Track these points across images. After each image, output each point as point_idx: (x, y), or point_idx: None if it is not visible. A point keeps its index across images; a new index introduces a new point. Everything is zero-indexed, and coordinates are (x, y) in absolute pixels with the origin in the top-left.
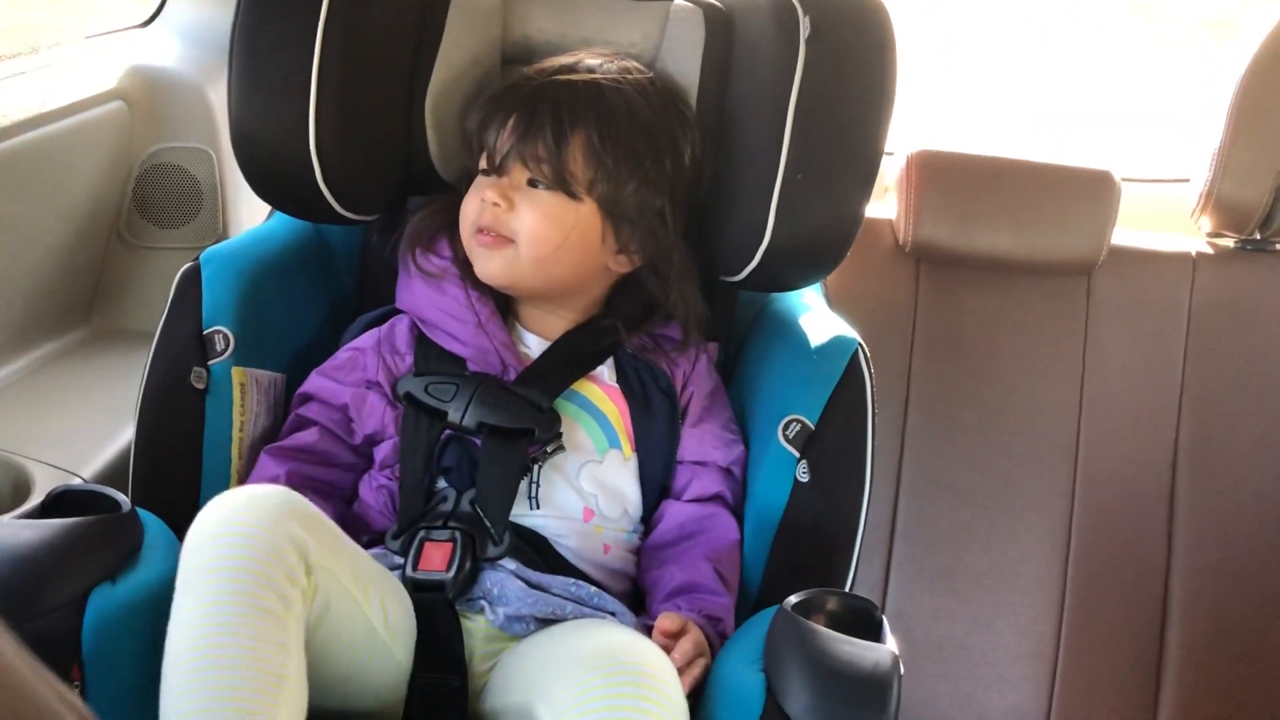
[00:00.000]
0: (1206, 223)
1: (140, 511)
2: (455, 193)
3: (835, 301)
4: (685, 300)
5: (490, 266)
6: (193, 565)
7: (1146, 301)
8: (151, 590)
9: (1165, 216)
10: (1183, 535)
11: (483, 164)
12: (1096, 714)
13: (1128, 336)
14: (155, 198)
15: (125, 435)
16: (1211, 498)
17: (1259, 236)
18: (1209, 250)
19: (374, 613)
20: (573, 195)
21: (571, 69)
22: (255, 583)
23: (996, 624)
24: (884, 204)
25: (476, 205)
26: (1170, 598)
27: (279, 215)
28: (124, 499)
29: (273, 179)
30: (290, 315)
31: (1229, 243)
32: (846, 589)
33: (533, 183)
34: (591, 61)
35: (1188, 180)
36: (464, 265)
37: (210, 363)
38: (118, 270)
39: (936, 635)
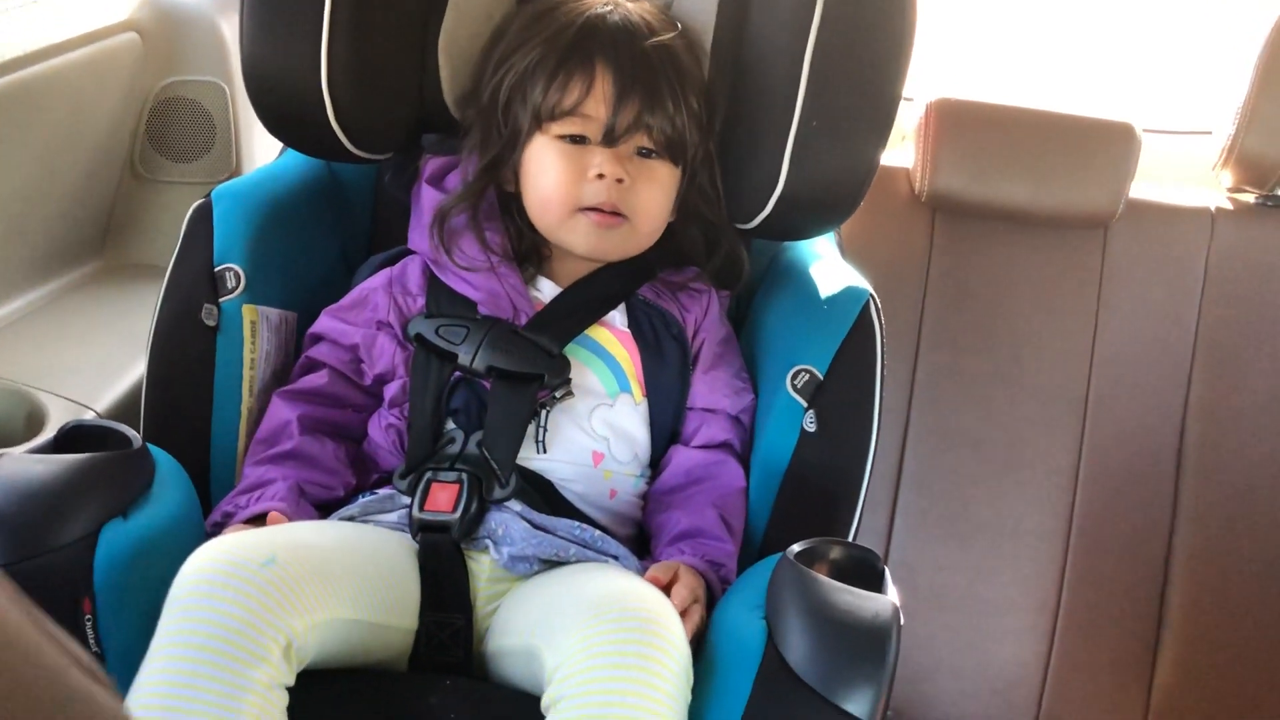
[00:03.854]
0: (1228, 177)
1: (151, 448)
2: (462, 151)
3: (849, 249)
4: (730, 245)
5: (607, 245)
6: (163, 628)
7: (1163, 256)
8: (163, 526)
9: (1187, 169)
10: (1189, 491)
11: (569, 129)
12: (1096, 664)
13: (1142, 291)
14: (168, 131)
15: (138, 369)
16: (1220, 455)
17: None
18: (1229, 206)
19: (376, 615)
20: (677, 161)
21: (630, 22)
22: (218, 665)
23: (1000, 574)
24: (900, 152)
25: (577, 179)
26: (1173, 552)
27: (291, 152)
28: (135, 435)
29: (285, 117)
30: (302, 253)
31: (1250, 198)
32: (850, 538)
33: (643, 151)
34: (629, 4)
35: (1210, 133)
36: (481, 220)
37: (221, 300)
38: (131, 204)
39: (940, 584)
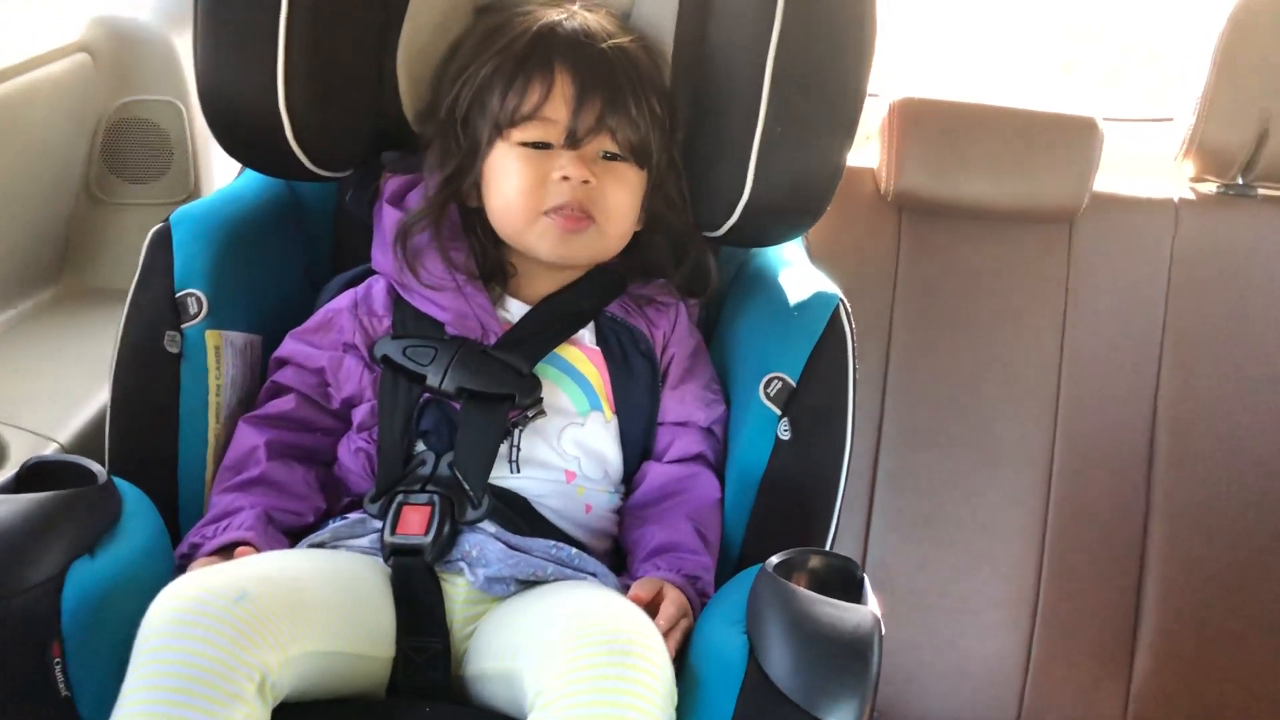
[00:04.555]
0: (1190, 167)
1: (117, 481)
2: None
3: (816, 251)
4: (698, 254)
5: (574, 249)
6: (134, 671)
7: (1129, 248)
8: (132, 562)
9: (1151, 157)
10: (1161, 481)
11: (530, 135)
12: (1075, 658)
13: (1110, 284)
14: (124, 153)
15: (101, 397)
16: (1191, 444)
17: (1241, 181)
18: (1191, 196)
19: (351, 645)
20: (642, 164)
21: (587, 27)
22: (192, 706)
23: (977, 571)
24: (865, 152)
25: (541, 183)
26: (1149, 543)
27: (250, 172)
28: (100, 470)
29: (242, 137)
30: (264, 275)
31: (1212, 188)
32: (828, 546)
33: (606, 155)
34: (585, 13)
35: (1171, 120)
36: (444, 238)
37: (184, 326)
38: (88, 228)
39: (918, 583)
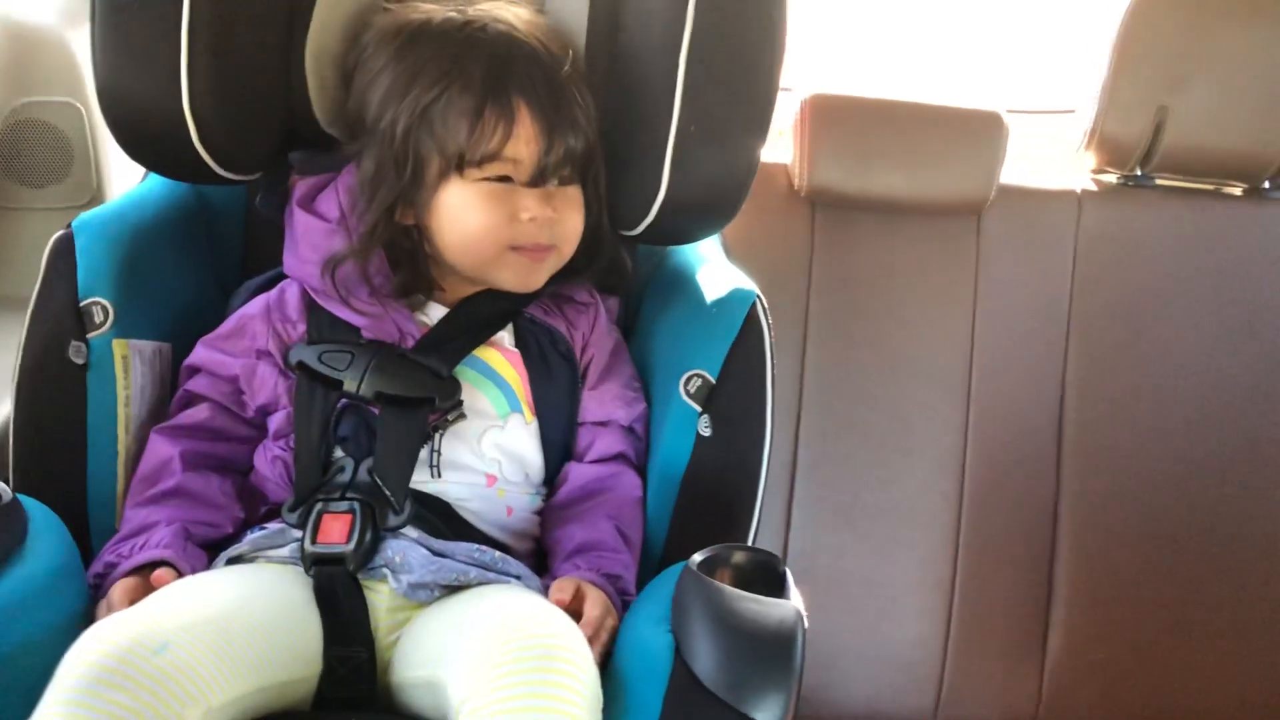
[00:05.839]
0: (1091, 159)
1: (23, 499)
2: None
3: (732, 247)
4: (611, 250)
5: (540, 276)
6: (50, 716)
7: (1034, 239)
8: (42, 582)
9: (1057, 147)
10: (1070, 465)
11: (493, 173)
12: (992, 638)
13: (1017, 274)
14: (21, 157)
15: (2, 410)
16: (1097, 430)
17: (1140, 173)
18: (1094, 187)
19: (279, 674)
20: (586, 181)
21: (535, 51)
22: None
23: (896, 557)
24: (777, 148)
25: (508, 222)
26: (1059, 527)
27: (155, 175)
28: (4, 488)
29: (145, 140)
30: (173, 282)
31: (1113, 179)
32: (750, 539)
33: (560, 180)
34: (507, 14)
35: (1074, 111)
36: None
37: (89, 336)
38: None
39: (838, 570)
